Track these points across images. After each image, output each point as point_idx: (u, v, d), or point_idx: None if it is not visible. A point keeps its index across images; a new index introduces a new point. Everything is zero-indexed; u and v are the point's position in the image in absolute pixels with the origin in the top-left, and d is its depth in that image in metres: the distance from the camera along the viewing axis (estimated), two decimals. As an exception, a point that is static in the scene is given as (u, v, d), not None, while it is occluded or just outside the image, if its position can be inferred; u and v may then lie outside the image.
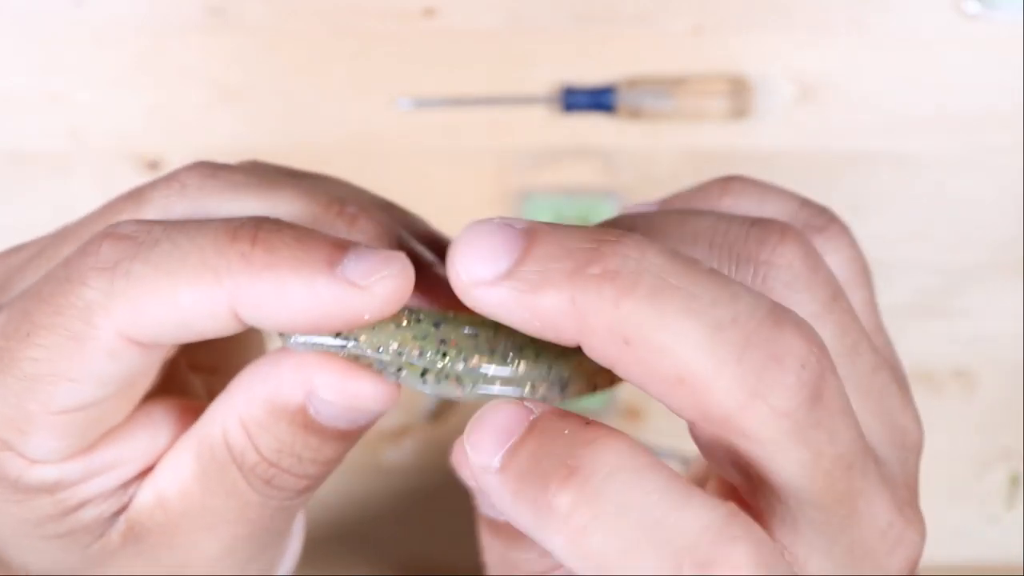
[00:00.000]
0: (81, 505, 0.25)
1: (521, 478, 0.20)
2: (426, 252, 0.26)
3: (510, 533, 0.23)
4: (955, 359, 0.59)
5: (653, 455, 0.20)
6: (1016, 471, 0.58)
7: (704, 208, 0.26)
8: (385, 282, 0.21)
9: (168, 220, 0.24)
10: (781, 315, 0.20)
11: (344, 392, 0.23)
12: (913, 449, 0.25)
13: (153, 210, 0.25)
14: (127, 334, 0.22)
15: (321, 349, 0.23)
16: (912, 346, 0.62)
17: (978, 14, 0.55)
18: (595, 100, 0.56)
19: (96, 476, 0.25)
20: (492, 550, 0.24)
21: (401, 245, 0.24)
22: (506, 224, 0.21)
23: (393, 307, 0.22)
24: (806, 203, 0.26)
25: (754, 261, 0.23)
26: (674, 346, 0.20)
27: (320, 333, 0.23)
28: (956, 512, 0.60)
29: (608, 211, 0.57)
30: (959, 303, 0.58)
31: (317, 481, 0.25)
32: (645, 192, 0.57)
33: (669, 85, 0.56)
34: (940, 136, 0.57)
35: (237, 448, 0.24)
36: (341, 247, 0.22)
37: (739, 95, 0.56)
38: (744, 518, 0.20)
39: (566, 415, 0.21)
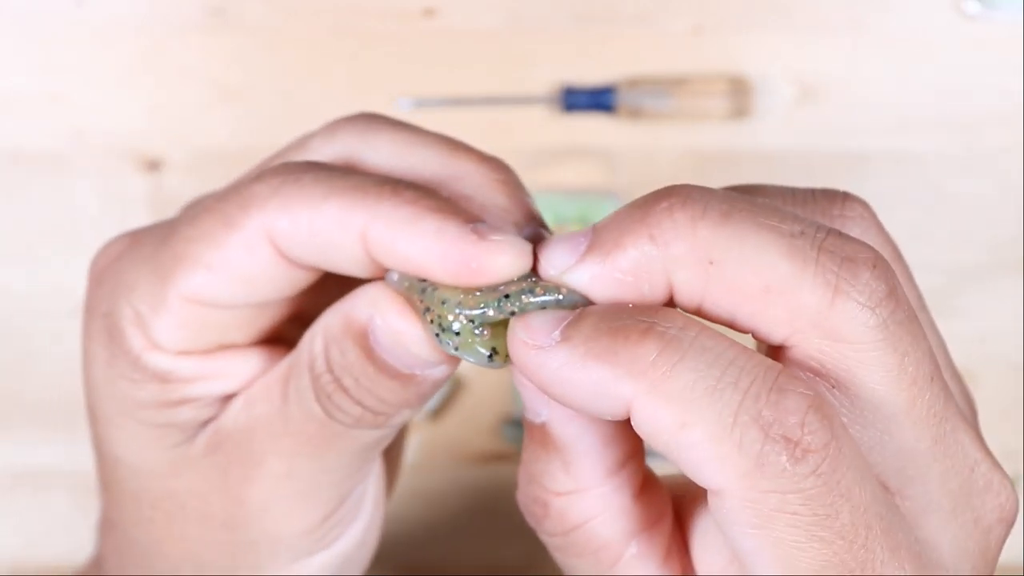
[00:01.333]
0: (182, 402, 0.27)
1: (591, 340, 0.21)
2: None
3: (549, 445, 0.24)
4: (955, 359, 0.59)
5: None
6: (1016, 471, 0.58)
7: None
8: (509, 254, 0.22)
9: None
10: (844, 233, 0.22)
11: (393, 328, 0.24)
12: (975, 420, 0.26)
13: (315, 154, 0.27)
14: (269, 231, 0.24)
15: (409, 292, 0.24)
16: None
17: (978, 14, 0.55)
18: (595, 100, 0.56)
19: (203, 380, 0.26)
20: (531, 472, 0.24)
21: (523, 207, 0.26)
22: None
23: (508, 273, 0.23)
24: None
25: (828, 215, 0.25)
26: (755, 256, 0.21)
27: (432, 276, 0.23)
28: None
29: (608, 211, 0.56)
30: (959, 303, 0.58)
31: (373, 418, 0.26)
32: (644, 192, 0.57)
33: (669, 85, 0.56)
34: (940, 136, 0.57)
35: (314, 354, 0.25)
36: (479, 217, 0.23)
37: (739, 95, 0.56)
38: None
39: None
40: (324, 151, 0.27)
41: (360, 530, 0.30)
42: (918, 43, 0.56)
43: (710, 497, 0.21)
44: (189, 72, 0.56)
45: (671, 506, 0.25)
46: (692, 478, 0.21)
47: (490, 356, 0.23)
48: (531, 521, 0.25)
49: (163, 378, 0.26)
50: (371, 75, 0.56)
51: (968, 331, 0.59)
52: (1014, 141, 0.57)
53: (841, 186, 0.61)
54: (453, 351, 0.23)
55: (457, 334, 0.23)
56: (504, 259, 0.22)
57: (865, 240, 0.23)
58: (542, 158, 0.57)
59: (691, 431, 0.20)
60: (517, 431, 0.57)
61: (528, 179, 0.56)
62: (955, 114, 0.57)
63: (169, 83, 0.56)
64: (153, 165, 0.57)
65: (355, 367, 0.25)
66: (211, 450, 0.27)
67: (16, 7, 0.55)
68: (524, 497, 0.25)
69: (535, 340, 0.22)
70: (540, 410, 0.23)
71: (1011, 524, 0.24)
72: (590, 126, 0.56)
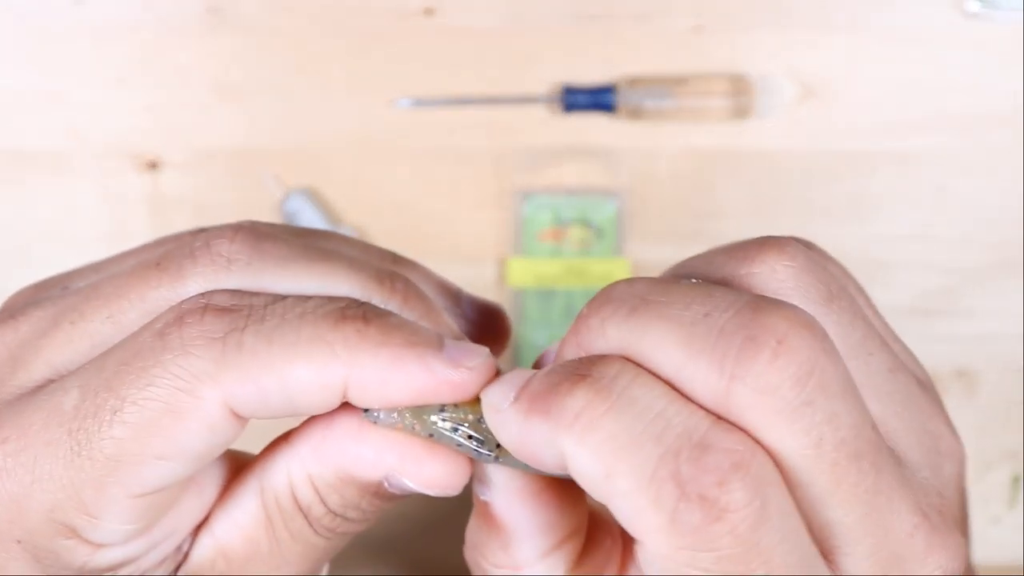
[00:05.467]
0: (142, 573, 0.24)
1: (534, 397, 0.21)
2: (453, 322, 0.27)
3: (491, 523, 0.24)
4: (957, 359, 0.59)
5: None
6: (1017, 471, 0.58)
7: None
8: (484, 366, 0.23)
9: (263, 291, 0.24)
10: (762, 302, 0.21)
11: (422, 478, 0.24)
12: (949, 455, 0.25)
13: (198, 287, 0.24)
14: (232, 406, 0.22)
15: (406, 427, 0.24)
16: (913, 346, 0.62)
17: (979, 13, 0.55)
18: (595, 100, 0.55)
19: (157, 546, 0.24)
20: (474, 540, 0.25)
21: (439, 317, 0.26)
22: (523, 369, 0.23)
23: (483, 388, 0.23)
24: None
25: (736, 277, 0.24)
26: (653, 350, 0.21)
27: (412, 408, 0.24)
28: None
29: (608, 211, 0.56)
30: (961, 303, 0.58)
31: (377, 519, 0.26)
32: (645, 192, 0.57)
33: (670, 84, 0.55)
34: (941, 136, 0.57)
35: (305, 501, 0.24)
36: (438, 337, 0.23)
37: (740, 94, 0.55)
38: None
39: None
40: (214, 279, 0.24)
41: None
42: (919, 42, 0.56)
43: (635, 543, 0.21)
44: (188, 72, 0.56)
45: (618, 551, 0.25)
46: (621, 525, 0.21)
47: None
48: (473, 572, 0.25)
49: (117, 568, 0.24)
50: (370, 74, 0.56)
51: (970, 331, 0.58)
52: (1016, 140, 0.56)
53: (842, 186, 0.61)
54: (494, 460, 0.24)
55: (498, 445, 0.23)
56: (483, 376, 0.23)
57: (784, 291, 0.23)
58: (542, 158, 0.57)
59: (615, 481, 0.20)
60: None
61: (528, 179, 0.56)
62: (957, 113, 0.56)
63: (167, 82, 0.56)
64: (152, 165, 0.56)
65: (363, 503, 0.24)
66: None
67: (15, 6, 0.55)
68: (467, 556, 0.25)
69: (494, 404, 0.22)
70: (482, 491, 0.24)
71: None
72: (590, 126, 0.56)
